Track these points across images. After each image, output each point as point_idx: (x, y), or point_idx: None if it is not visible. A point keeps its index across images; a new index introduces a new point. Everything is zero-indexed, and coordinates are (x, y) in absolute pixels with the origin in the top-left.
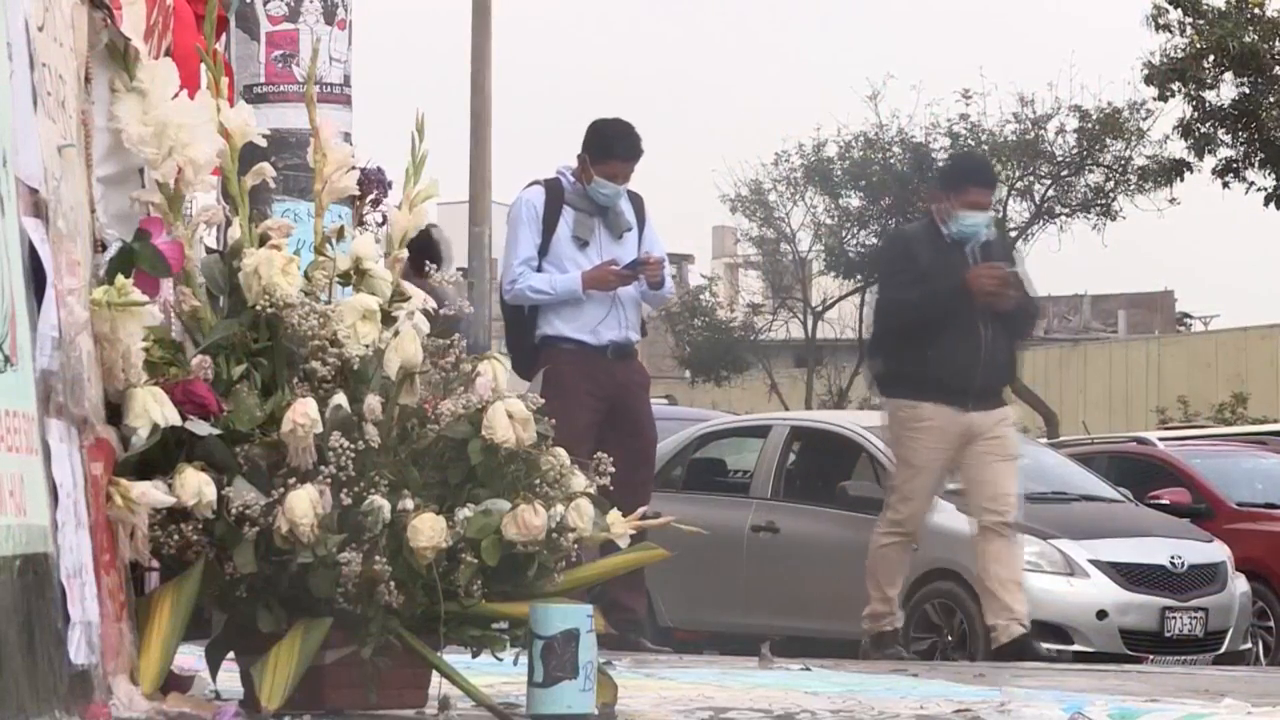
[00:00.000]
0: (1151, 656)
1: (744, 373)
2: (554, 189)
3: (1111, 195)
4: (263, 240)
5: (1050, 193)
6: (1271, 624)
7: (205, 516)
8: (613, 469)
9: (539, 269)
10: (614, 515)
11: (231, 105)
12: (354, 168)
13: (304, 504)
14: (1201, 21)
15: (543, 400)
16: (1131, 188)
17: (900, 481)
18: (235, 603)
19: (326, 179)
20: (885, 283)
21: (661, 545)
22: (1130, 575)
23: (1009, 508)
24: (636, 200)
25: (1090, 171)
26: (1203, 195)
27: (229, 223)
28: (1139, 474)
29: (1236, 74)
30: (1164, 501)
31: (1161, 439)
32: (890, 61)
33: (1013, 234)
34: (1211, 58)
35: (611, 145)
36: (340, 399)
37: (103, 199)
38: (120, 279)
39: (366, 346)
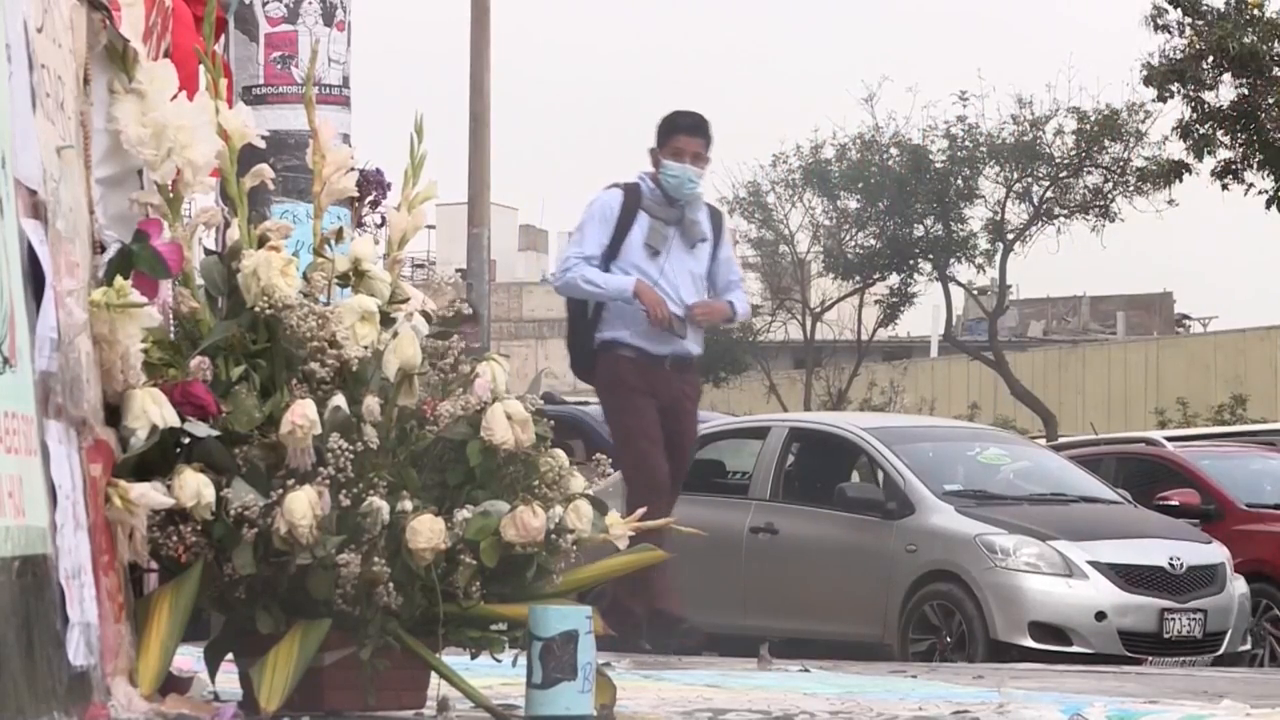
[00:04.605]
0: (1150, 658)
1: (743, 374)
2: (632, 193)
3: (1110, 197)
4: (261, 241)
5: (1049, 194)
6: None
7: (204, 518)
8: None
9: (605, 271)
10: (613, 517)
11: (230, 107)
12: (353, 169)
13: (303, 505)
14: (1201, 22)
15: (607, 399)
16: (1130, 189)
17: None
18: (234, 604)
19: (325, 180)
20: None
21: (660, 547)
22: (1129, 577)
23: None
24: (715, 215)
25: (1089, 173)
26: (1202, 197)
27: (228, 224)
28: (1147, 475)
29: (1236, 75)
30: (1173, 503)
31: (1169, 439)
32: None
33: (1010, 236)
34: (1211, 59)
35: (675, 120)
36: (339, 400)
37: (101, 200)
38: (119, 280)
39: (365, 348)
